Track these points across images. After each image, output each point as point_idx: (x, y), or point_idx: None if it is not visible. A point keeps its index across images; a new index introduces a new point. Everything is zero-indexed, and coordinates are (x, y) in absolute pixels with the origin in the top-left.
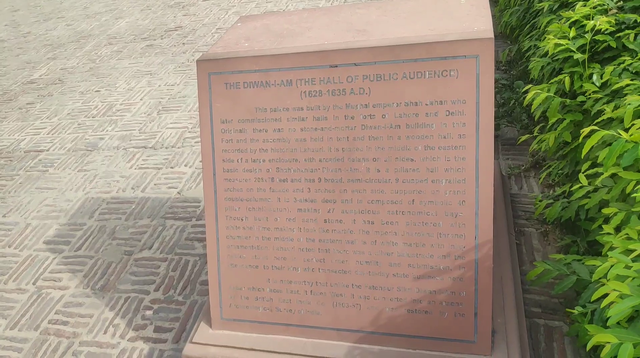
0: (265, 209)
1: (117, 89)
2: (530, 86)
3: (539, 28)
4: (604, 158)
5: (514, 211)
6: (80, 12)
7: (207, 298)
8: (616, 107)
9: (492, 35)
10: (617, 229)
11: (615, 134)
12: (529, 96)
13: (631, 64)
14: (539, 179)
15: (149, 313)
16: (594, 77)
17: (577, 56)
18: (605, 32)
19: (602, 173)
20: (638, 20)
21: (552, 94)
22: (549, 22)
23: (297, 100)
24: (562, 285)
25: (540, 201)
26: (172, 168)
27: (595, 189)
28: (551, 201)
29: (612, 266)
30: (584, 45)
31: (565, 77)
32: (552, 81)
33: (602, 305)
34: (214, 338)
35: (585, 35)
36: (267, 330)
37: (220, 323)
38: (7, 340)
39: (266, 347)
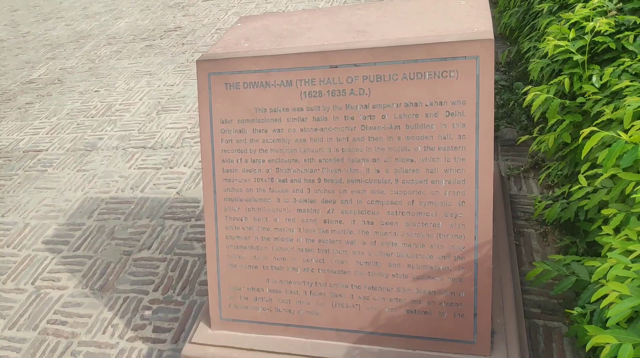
0: (264, 210)
1: (116, 89)
2: (529, 87)
3: (539, 29)
4: (604, 159)
5: (514, 211)
6: (80, 12)
7: (206, 298)
8: (616, 109)
9: (492, 36)
10: (617, 230)
11: (614, 135)
12: (529, 97)
13: (631, 65)
14: (539, 180)
15: (147, 313)
16: (594, 78)
17: (577, 57)
18: (605, 34)
19: (602, 174)
20: (637, 22)
21: (551, 96)
22: (548, 24)
23: (297, 100)
24: (561, 285)
25: (540, 202)
26: (171, 168)
27: (595, 190)
28: (550, 202)
29: (611, 267)
30: (583, 46)
31: (564, 78)
32: (551, 82)
33: (602, 306)
34: (213, 338)
35: (585, 36)
36: (266, 330)
37: (220, 324)
38: (6, 340)
39: (265, 347)
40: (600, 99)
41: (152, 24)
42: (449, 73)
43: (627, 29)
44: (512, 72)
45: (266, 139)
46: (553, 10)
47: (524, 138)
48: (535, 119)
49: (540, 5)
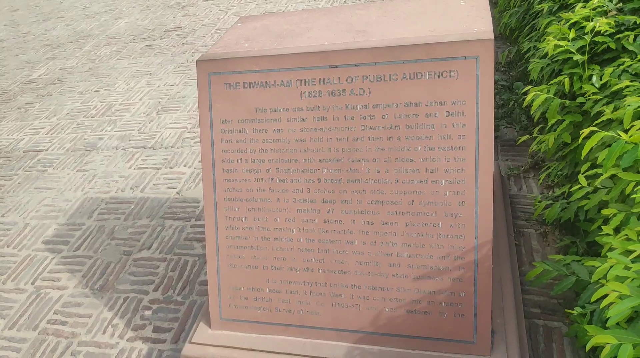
0: (264, 210)
1: (116, 89)
2: (529, 87)
3: (539, 29)
4: (604, 159)
5: (513, 212)
6: (80, 12)
7: (206, 298)
8: (616, 109)
9: (492, 36)
10: (617, 230)
11: (614, 135)
12: (529, 97)
13: (631, 65)
14: (539, 180)
15: (147, 313)
16: (594, 78)
17: (577, 57)
18: (605, 34)
19: (602, 174)
20: (637, 22)
21: (551, 95)
22: (548, 24)
23: (297, 100)
24: (561, 285)
25: (540, 202)
26: (171, 168)
27: (595, 190)
28: (550, 202)
29: (611, 267)
30: (583, 46)
31: (564, 78)
32: (551, 82)
33: (602, 306)
34: (213, 338)
35: (585, 36)
36: (266, 330)
37: (220, 324)
38: (6, 340)
39: (265, 347)
40: (600, 99)
41: (152, 24)
42: (449, 73)
43: (627, 29)
44: (512, 72)
45: (266, 139)
46: (553, 10)
47: (524, 138)
48: (535, 119)
49: (540, 5)
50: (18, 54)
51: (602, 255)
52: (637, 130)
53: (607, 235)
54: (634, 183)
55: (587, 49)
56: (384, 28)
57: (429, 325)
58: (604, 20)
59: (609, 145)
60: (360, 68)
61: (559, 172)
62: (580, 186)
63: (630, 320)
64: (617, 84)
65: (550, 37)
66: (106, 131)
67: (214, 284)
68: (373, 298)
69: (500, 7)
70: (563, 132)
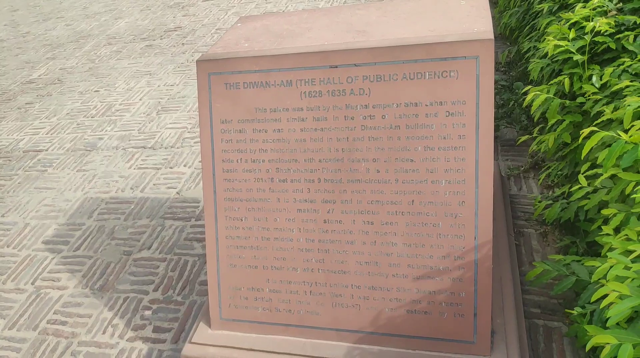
0: (264, 210)
1: (116, 89)
2: (529, 87)
3: (539, 29)
4: (604, 159)
5: (513, 212)
6: (80, 12)
7: (206, 298)
8: (616, 109)
9: (492, 36)
10: (617, 230)
11: (614, 135)
12: (529, 96)
13: (631, 65)
14: (538, 180)
15: (147, 313)
16: (594, 78)
17: (577, 57)
18: (605, 34)
19: (602, 174)
20: (637, 22)
21: (551, 95)
22: (548, 24)
23: (297, 100)
24: (561, 285)
25: (540, 201)
26: (171, 168)
27: (595, 190)
28: (550, 202)
29: (611, 267)
30: (583, 46)
31: (564, 78)
32: (551, 82)
33: (602, 306)
34: (213, 338)
35: (585, 36)
36: (266, 330)
37: (220, 324)
38: (6, 340)
39: (265, 347)
40: (600, 99)
41: (152, 24)
42: (449, 73)
43: (627, 29)
44: (512, 72)
45: (266, 139)
46: (553, 10)
47: (524, 138)
48: (535, 119)
49: (540, 5)
50: (18, 54)
51: (602, 255)
52: (637, 130)
53: (607, 235)
54: (634, 183)
55: (587, 49)
56: (384, 28)
57: (429, 325)
58: (604, 20)
59: (609, 145)
60: (360, 68)
61: (559, 172)
62: (580, 186)
63: (630, 320)
64: (617, 84)
65: (551, 37)
66: (106, 131)
67: (214, 284)
68: (373, 298)
69: (500, 7)
70: (563, 132)
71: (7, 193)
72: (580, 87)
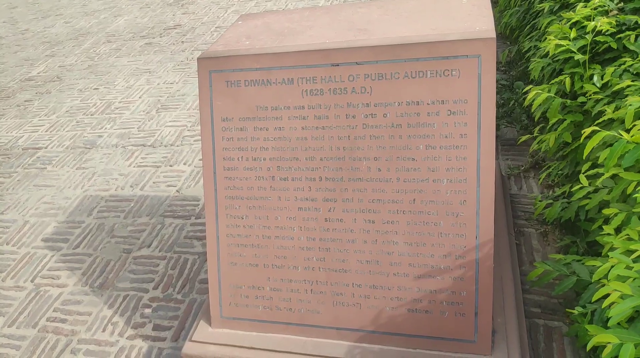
0: (265, 208)
1: (115, 87)
2: (530, 86)
3: (539, 29)
4: (605, 159)
5: (514, 211)
6: (79, 9)
7: (207, 296)
8: (617, 108)
9: (494, 35)
10: (618, 230)
11: (616, 135)
12: (530, 96)
13: (632, 65)
14: (539, 179)
15: (147, 311)
16: (595, 78)
17: (578, 56)
18: (606, 34)
19: (603, 174)
20: (639, 22)
21: (552, 95)
22: (549, 23)
23: (298, 98)
24: (562, 285)
25: (540, 201)
26: (171, 166)
27: (596, 190)
28: (551, 201)
29: (612, 266)
30: (584, 46)
31: (565, 78)
32: (552, 81)
33: (604, 306)
34: (213, 336)
35: (586, 36)
36: (267, 329)
37: (220, 322)
38: (5, 338)
39: (266, 345)
40: (602, 99)
41: (151, 21)
42: (450, 72)
43: (628, 29)
44: (512, 72)
45: (267, 138)
46: (554, 9)
47: (524, 138)
48: (536, 119)
49: (541, 5)
50: (17, 52)
51: (602, 254)
52: (638, 130)
53: (608, 234)
54: (635, 183)
55: (588, 48)
56: (386, 26)
57: (430, 324)
58: (605, 19)
59: (610, 145)
60: (361, 66)
61: (560, 172)
62: (581, 185)
63: (631, 319)
64: (618, 83)
65: (552, 37)
66: (106, 128)
67: (214, 282)
68: (374, 297)
69: (500, 6)
70: (564, 131)
71: (7, 190)
72: (581, 87)
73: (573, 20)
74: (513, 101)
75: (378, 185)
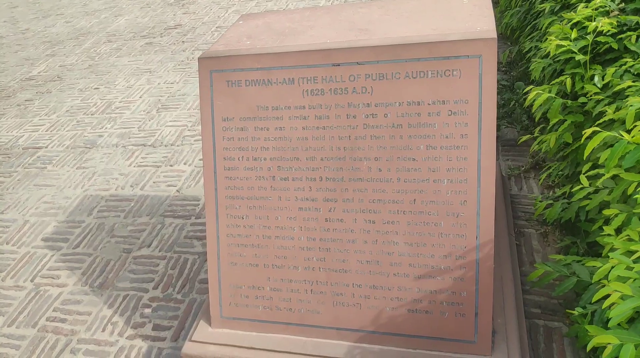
0: (266, 208)
1: (116, 86)
2: (531, 87)
3: (540, 29)
4: (606, 159)
5: (514, 211)
6: (80, 9)
7: (207, 296)
8: (618, 109)
9: (495, 35)
10: (618, 230)
11: (617, 135)
12: (531, 96)
13: (633, 65)
14: (539, 180)
15: (147, 311)
16: (596, 78)
17: (579, 57)
18: (607, 34)
19: (603, 175)
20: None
21: (553, 95)
22: (550, 24)
23: (299, 98)
24: (562, 286)
25: (540, 201)
26: (171, 166)
27: (596, 191)
28: (551, 202)
29: (613, 267)
30: (585, 46)
31: (566, 78)
32: (553, 82)
33: (604, 306)
34: (213, 336)
35: (587, 36)
36: (267, 329)
37: (220, 322)
38: (5, 337)
39: (266, 345)
40: (602, 100)
41: (152, 21)
42: (451, 72)
43: (629, 29)
44: (513, 72)
45: (268, 137)
46: (555, 10)
47: (524, 138)
48: (536, 119)
49: (542, 5)
50: (17, 51)
51: (602, 255)
52: (639, 131)
53: (609, 235)
54: (635, 184)
55: (589, 49)
56: (387, 26)
57: (430, 325)
58: (606, 20)
59: (611, 145)
60: (362, 66)
61: (560, 172)
62: (581, 186)
63: (631, 320)
64: (619, 84)
65: (552, 37)
66: (106, 128)
67: (214, 282)
68: (374, 297)
69: (501, 6)
70: (564, 132)
71: (7, 190)
72: (582, 88)
73: (574, 21)
74: (514, 101)
75: (378, 185)
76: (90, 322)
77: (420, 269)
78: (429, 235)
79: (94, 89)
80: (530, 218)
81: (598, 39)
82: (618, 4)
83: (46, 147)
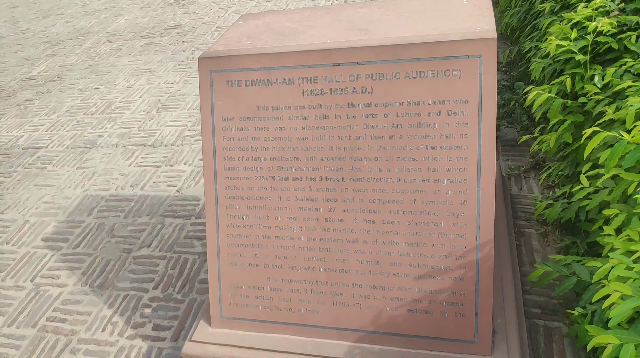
0: (266, 208)
1: (116, 86)
2: (531, 86)
3: (540, 29)
4: (606, 159)
5: (514, 212)
6: (80, 9)
7: (207, 296)
8: (618, 109)
9: (495, 35)
10: (618, 230)
11: (617, 135)
12: (531, 96)
13: (633, 65)
14: (539, 180)
15: (147, 311)
16: (596, 78)
17: (579, 57)
18: (607, 34)
19: (603, 175)
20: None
21: (553, 95)
22: (550, 24)
23: (299, 98)
24: (563, 286)
25: (540, 201)
26: (171, 166)
27: (596, 191)
28: (551, 202)
29: (613, 267)
30: (585, 46)
31: (566, 78)
32: (553, 82)
33: (604, 306)
34: (213, 336)
35: (587, 36)
36: (267, 329)
37: (220, 322)
38: (5, 337)
39: (266, 345)
40: (602, 100)
41: (152, 21)
42: (451, 72)
43: (629, 29)
44: (512, 72)
45: (268, 137)
46: (555, 10)
47: (524, 138)
48: (536, 119)
49: (542, 5)
50: (17, 51)
51: (602, 255)
52: (639, 131)
53: (609, 235)
54: (635, 184)
55: (589, 49)
56: (387, 26)
57: (430, 325)
58: (606, 20)
59: (611, 145)
60: (362, 66)
61: (560, 172)
62: (581, 186)
63: (631, 320)
64: (619, 84)
65: (553, 37)
66: (106, 128)
67: (214, 282)
68: (374, 297)
69: (501, 6)
70: (564, 132)
71: (7, 189)
72: (582, 88)
73: (574, 21)
74: (513, 101)
75: (378, 185)
76: (90, 322)
77: (420, 269)
78: (429, 235)
79: (94, 89)
80: (530, 218)
81: (598, 39)
82: (618, 4)
83: (46, 147)
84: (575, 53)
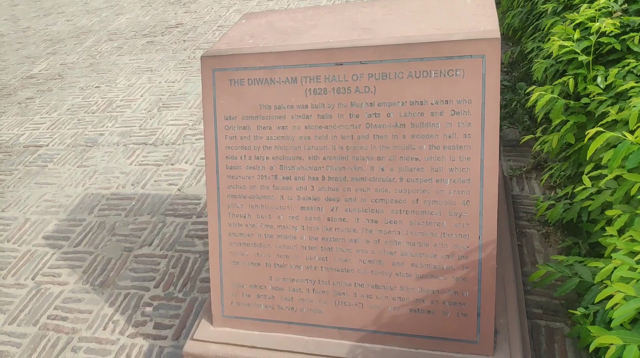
0: (268, 207)
1: (117, 85)
2: (533, 87)
3: (543, 30)
4: (609, 160)
5: (516, 212)
6: (81, 7)
7: (208, 295)
8: (621, 110)
9: (498, 35)
10: (621, 231)
11: (620, 136)
12: (533, 97)
13: (636, 66)
14: (541, 180)
15: (148, 309)
16: (599, 79)
17: (582, 57)
18: (610, 35)
19: (606, 175)
20: None
21: (555, 96)
22: (552, 24)
23: (301, 97)
24: (564, 287)
25: (542, 202)
26: (172, 164)
27: (599, 191)
28: (553, 202)
29: (615, 268)
30: (588, 47)
31: (569, 79)
32: (555, 82)
33: (607, 307)
34: (215, 335)
35: (590, 37)
36: (268, 328)
37: (222, 321)
38: (6, 335)
39: (267, 344)
40: (605, 100)
41: (153, 20)
42: (454, 72)
43: (632, 30)
44: (514, 73)
45: (270, 136)
46: (557, 10)
47: (526, 138)
48: (539, 120)
49: (544, 6)
50: (18, 49)
51: (605, 256)
52: None
53: (611, 236)
54: (638, 184)
55: (592, 49)
56: (390, 26)
57: (432, 324)
58: (609, 21)
59: (614, 146)
60: (365, 66)
61: (562, 173)
62: (583, 186)
63: (634, 321)
64: (622, 85)
65: (555, 38)
66: (107, 127)
67: (216, 281)
68: (376, 297)
69: (503, 7)
70: (567, 133)
71: (8, 188)
72: (585, 88)
73: (577, 22)
74: (515, 101)
75: (381, 185)
76: (92, 321)
77: (423, 269)
78: (431, 235)
79: (95, 87)
80: (532, 219)
81: (601, 39)
82: (621, 5)
83: (47, 145)
84: (578, 54)
